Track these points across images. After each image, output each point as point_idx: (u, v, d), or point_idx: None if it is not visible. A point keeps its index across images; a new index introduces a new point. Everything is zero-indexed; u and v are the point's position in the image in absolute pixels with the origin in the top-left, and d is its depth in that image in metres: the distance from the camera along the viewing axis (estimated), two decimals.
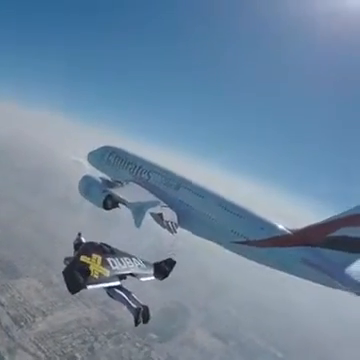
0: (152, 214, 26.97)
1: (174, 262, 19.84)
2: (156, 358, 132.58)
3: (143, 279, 18.03)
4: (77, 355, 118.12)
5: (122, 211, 28.01)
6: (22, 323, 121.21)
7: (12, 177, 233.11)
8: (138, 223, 24.93)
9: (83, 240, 17.73)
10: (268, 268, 26.68)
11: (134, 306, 16.24)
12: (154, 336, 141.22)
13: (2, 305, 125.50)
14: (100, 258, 15.53)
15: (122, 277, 16.68)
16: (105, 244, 17.27)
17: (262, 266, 26.87)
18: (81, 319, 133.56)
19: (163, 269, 19.17)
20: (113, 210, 27.93)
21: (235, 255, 27.55)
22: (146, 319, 16.39)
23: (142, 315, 16.08)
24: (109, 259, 16.06)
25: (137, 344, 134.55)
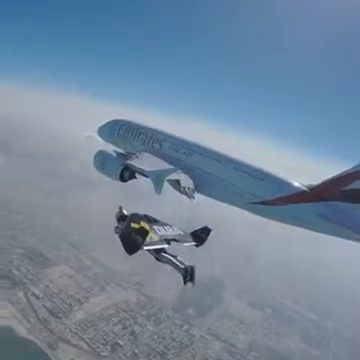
0: (169, 181, 25.96)
1: (210, 230, 21.21)
2: (197, 334, 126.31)
3: (185, 244, 19.07)
4: (120, 342, 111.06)
5: (140, 183, 26.94)
6: (60, 314, 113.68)
7: (27, 161, 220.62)
8: (158, 190, 23.44)
9: (125, 212, 18.50)
10: (292, 228, 25.37)
11: (182, 266, 17.35)
12: (192, 312, 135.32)
13: (37, 297, 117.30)
14: (147, 225, 16.18)
15: (167, 242, 17.33)
16: (147, 215, 18.13)
17: (286, 227, 25.58)
18: (119, 302, 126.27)
19: (200, 236, 20.46)
20: (134, 183, 26.94)
21: (258, 219, 26.26)
22: (193, 277, 17.12)
23: (189, 274, 17.00)
24: (155, 226, 17.09)
25: (177, 322, 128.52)
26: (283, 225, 25.75)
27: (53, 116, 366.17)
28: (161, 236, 16.99)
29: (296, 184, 25.14)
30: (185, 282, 17.08)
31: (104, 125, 35.11)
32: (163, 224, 18.41)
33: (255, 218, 26.61)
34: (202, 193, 27.04)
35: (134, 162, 25.33)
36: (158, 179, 24.07)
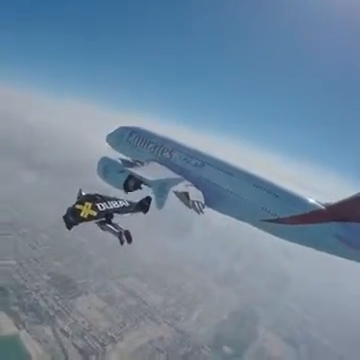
0: (176, 193, 23.33)
1: (150, 198, 20.96)
2: None
3: (125, 215, 19.66)
4: None
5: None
6: (92, 356, 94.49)
7: (51, 173, 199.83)
8: (160, 203, 21.03)
9: (83, 194, 19.03)
10: (319, 253, 21.36)
11: (117, 231, 18.32)
12: (228, 349, 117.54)
13: (66, 334, 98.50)
14: (90, 204, 17.77)
15: (110, 215, 18.82)
16: (99, 194, 18.82)
17: (312, 250, 21.69)
18: (154, 340, 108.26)
19: (144, 204, 20.68)
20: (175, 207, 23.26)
21: (290, 244, 22.38)
22: (129, 239, 18.30)
23: (125, 236, 18.14)
24: (98, 204, 18.18)
25: None
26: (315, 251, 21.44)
27: (85, 128, 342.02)
28: (101, 211, 17.97)
29: (312, 201, 21.52)
30: (121, 243, 17.86)
31: (113, 132, 32.49)
32: (110, 199, 18.96)
33: (287, 242, 22.40)
34: (213, 208, 24.15)
35: (138, 171, 22.82)
36: (161, 190, 21.73)
